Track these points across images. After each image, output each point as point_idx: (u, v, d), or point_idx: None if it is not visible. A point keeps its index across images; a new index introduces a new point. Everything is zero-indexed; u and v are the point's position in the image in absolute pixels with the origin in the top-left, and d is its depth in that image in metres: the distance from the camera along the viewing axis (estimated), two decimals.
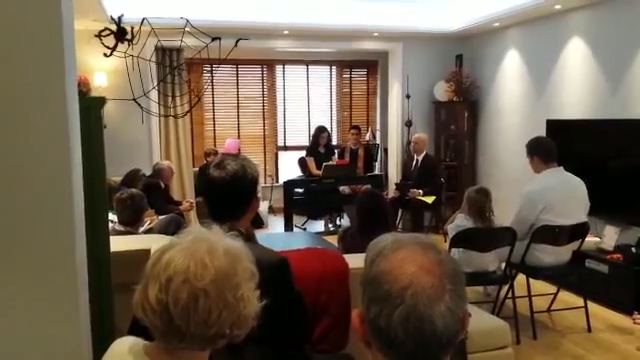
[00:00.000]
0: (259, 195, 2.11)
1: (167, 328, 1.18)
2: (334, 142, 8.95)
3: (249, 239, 2.05)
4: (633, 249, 4.65)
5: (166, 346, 1.22)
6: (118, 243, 2.83)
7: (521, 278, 4.31)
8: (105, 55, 2.99)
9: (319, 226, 8.05)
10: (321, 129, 8.02)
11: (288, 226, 7.13)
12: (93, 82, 6.60)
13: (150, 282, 1.20)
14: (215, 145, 8.91)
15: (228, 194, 1.93)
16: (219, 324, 1.18)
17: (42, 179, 1.69)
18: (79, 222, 1.82)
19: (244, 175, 1.94)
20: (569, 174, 4.35)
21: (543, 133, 5.64)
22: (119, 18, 3.05)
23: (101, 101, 2.27)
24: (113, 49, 3.01)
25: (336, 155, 8.06)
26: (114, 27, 3.03)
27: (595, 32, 5.53)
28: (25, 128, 1.67)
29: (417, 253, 0.95)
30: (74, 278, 1.75)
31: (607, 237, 4.99)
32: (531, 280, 4.26)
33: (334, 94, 9.84)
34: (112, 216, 4.04)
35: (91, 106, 2.15)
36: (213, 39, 3.25)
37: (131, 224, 4.01)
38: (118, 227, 3.95)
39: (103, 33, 2.99)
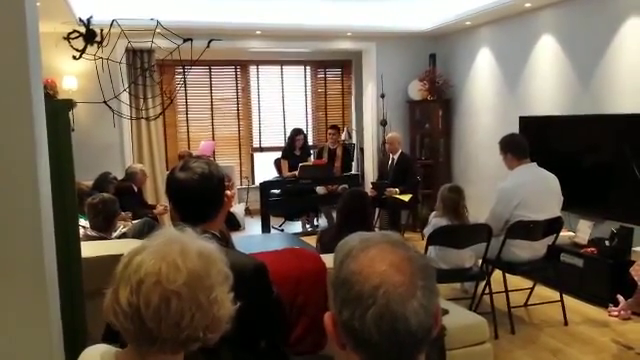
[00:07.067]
0: (233, 192, 2.08)
1: (139, 331, 1.15)
2: (310, 142, 8.93)
3: (225, 242, 2.03)
4: (607, 242, 4.71)
5: (138, 349, 1.20)
6: (90, 248, 2.78)
7: (498, 274, 4.33)
8: (74, 58, 2.94)
9: (296, 227, 8.02)
10: (297, 131, 7.97)
11: (265, 228, 7.10)
12: (62, 85, 6.50)
13: (121, 285, 1.17)
14: (189, 147, 8.83)
15: (198, 195, 1.89)
16: (192, 327, 1.15)
17: (7, 184, 1.65)
18: (47, 228, 1.78)
19: (211, 174, 1.90)
20: (542, 170, 4.40)
21: (516, 130, 5.70)
22: (88, 20, 2.99)
23: (68, 104, 2.22)
24: (82, 52, 2.96)
25: (312, 156, 8.05)
26: (83, 29, 2.97)
27: (565, 29, 5.60)
28: None
29: (386, 251, 0.94)
30: (43, 285, 1.71)
31: (581, 231, 5.06)
32: (507, 275, 4.30)
33: (309, 94, 9.83)
34: (84, 221, 3.97)
35: (58, 109, 2.10)
36: (185, 40, 3.21)
37: (103, 229, 3.94)
38: (90, 232, 3.88)
39: (72, 35, 2.93)
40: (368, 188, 7.47)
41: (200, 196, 1.89)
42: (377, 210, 7.25)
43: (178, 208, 1.94)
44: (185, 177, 1.88)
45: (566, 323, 4.32)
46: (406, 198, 6.83)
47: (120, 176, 6.17)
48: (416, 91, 7.70)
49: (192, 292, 1.15)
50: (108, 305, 1.18)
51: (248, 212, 8.76)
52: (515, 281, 4.72)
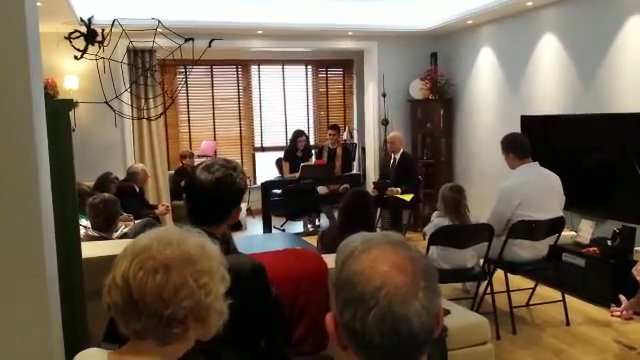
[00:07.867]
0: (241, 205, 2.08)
1: (126, 305, 1.17)
2: (311, 142, 8.92)
3: (225, 244, 2.03)
4: (609, 242, 4.70)
5: (126, 329, 1.20)
6: (91, 248, 2.77)
7: (499, 274, 4.32)
8: (75, 58, 2.93)
9: (298, 227, 8.02)
10: (299, 133, 7.97)
11: (267, 228, 7.09)
12: (64, 85, 6.49)
13: (119, 263, 1.21)
14: (191, 147, 8.83)
15: (210, 198, 1.90)
16: (175, 303, 1.16)
17: (7, 184, 1.65)
18: (48, 228, 1.77)
19: (231, 182, 1.91)
20: (544, 169, 4.39)
21: (518, 129, 5.69)
22: (89, 20, 2.99)
23: (69, 104, 2.22)
24: (83, 52, 2.96)
25: (314, 156, 8.03)
26: (84, 29, 2.97)
27: (567, 28, 5.59)
28: None
29: (388, 252, 0.93)
30: (43, 285, 1.71)
31: (583, 231, 5.04)
32: (509, 275, 4.29)
33: (310, 94, 9.82)
34: (85, 222, 3.97)
35: (59, 109, 2.09)
36: (186, 40, 3.21)
37: (104, 229, 3.93)
38: (91, 232, 3.88)
39: (73, 35, 2.93)
40: (370, 188, 7.46)
41: (210, 199, 1.90)
42: (379, 210, 7.25)
43: (188, 203, 1.96)
44: (203, 178, 1.89)
45: (568, 323, 4.31)
46: (408, 198, 6.82)
47: (121, 176, 6.17)
48: (418, 90, 7.70)
49: (180, 269, 1.18)
50: (106, 285, 1.21)
51: (250, 212, 8.76)
52: (517, 281, 4.71)
